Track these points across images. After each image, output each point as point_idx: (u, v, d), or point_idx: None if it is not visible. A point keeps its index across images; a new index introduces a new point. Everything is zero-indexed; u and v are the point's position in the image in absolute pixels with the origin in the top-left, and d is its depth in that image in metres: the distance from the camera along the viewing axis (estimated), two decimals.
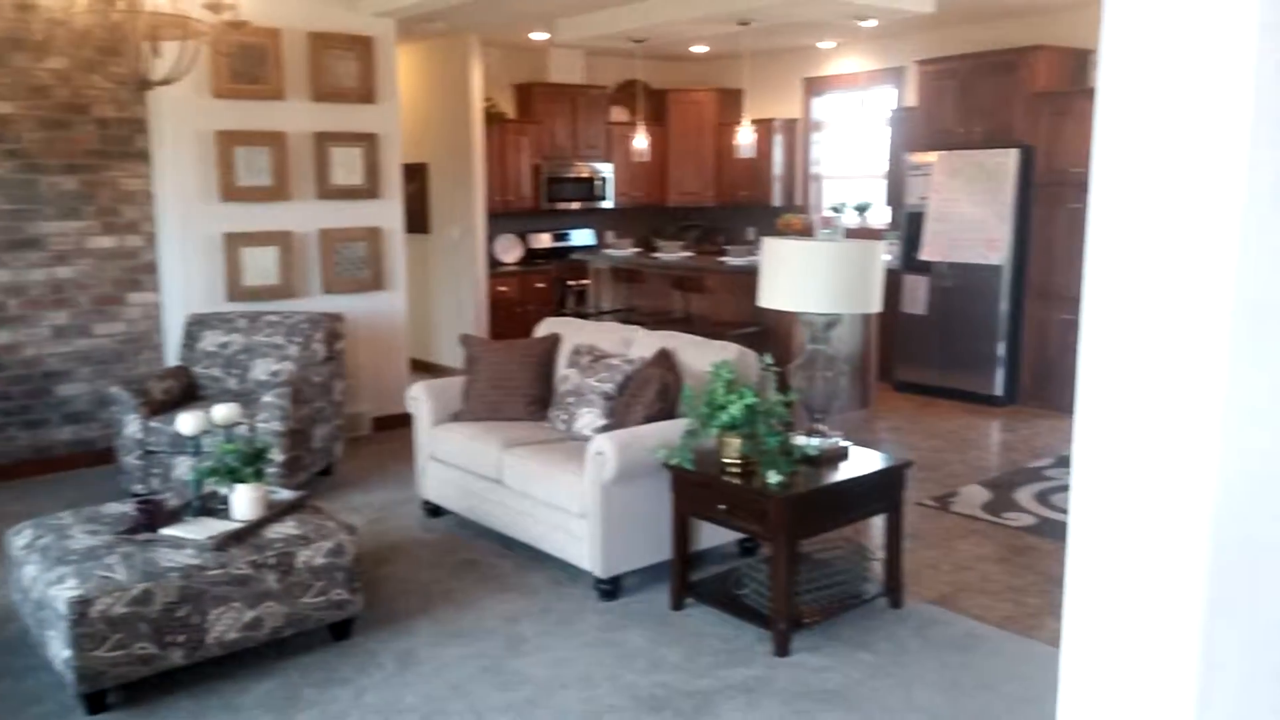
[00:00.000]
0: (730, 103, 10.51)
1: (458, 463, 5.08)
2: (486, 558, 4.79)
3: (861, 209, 9.52)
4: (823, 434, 4.15)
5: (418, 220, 9.28)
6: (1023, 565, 4.61)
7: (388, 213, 7.22)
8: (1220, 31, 1.18)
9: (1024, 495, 5.59)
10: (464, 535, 5.08)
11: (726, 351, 4.60)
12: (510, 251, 10.02)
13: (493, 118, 9.38)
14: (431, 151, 9.32)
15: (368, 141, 7.00)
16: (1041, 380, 7.70)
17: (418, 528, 5.25)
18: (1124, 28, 1.29)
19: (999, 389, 7.88)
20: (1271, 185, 1.22)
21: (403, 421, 6.19)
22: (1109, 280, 1.33)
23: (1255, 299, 1.23)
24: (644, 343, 5.01)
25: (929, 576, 4.49)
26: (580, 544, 4.32)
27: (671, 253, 8.51)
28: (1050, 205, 7.62)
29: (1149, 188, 1.28)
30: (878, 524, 4.79)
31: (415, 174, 9.16)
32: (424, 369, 8.84)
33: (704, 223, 11.10)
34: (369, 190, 7.06)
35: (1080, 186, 7.32)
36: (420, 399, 5.34)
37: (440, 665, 3.75)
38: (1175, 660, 1.28)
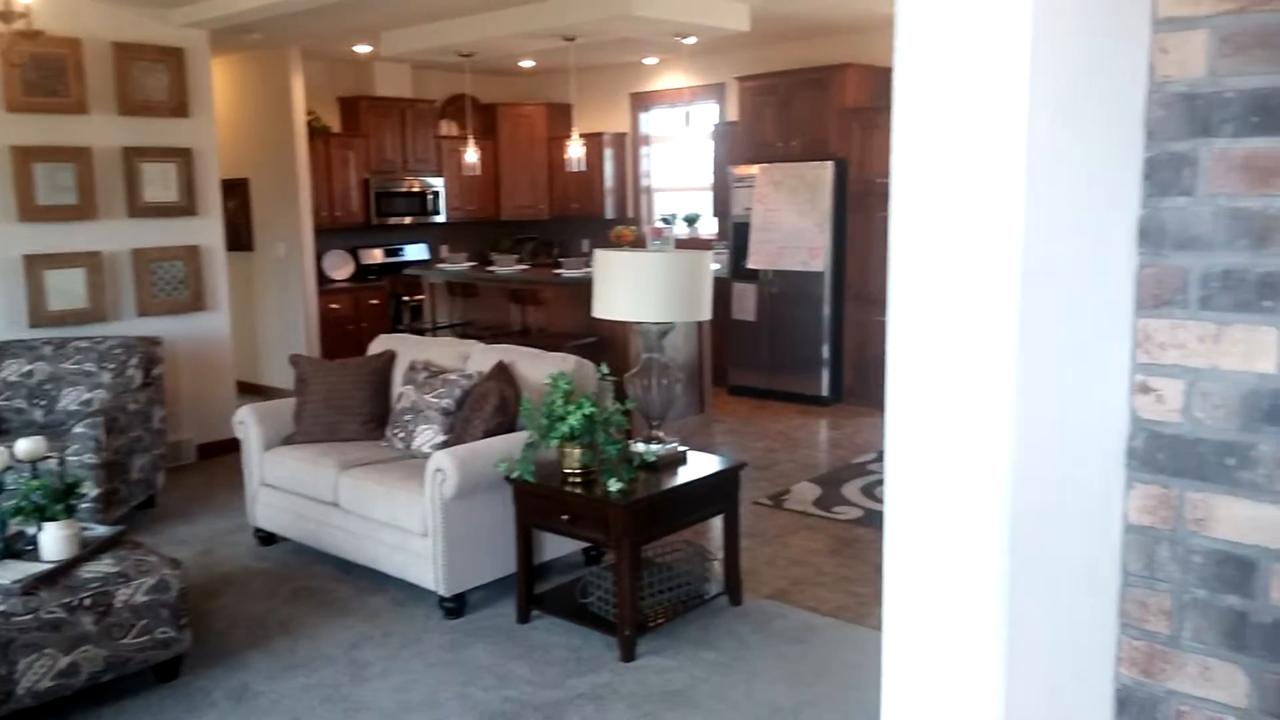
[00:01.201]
0: (560, 117, 10.58)
1: (291, 487, 4.91)
2: (324, 584, 4.65)
3: (691, 220, 9.75)
4: (661, 440, 4.24)
5: (240, 237, 8.92)
6: (852, 556, 4.84)
7: (207, 230, 6.92)
8: (995, 63, 1.30)
9: (851, 490, 5.87)
10: (300, 562, 4.92)
11: (564, 363, 4.63)
12: (340, 268, 9.75)
13: (316, 131, 9.12)
14: (253, 166, 8.98)
15: (182, 157, 6.69)
16: (863, 379, 8.09)
17: (250, 557, 5.05)
18: (913, 56, 1.40)
19: (825, 389, 8.22)
20: (1046, 194, 1.35)
21: (231, 447, 5.93)
22: (910, 284, 1.44)
23: (1036, 298, 1.36)
24: (481, 357, 4.99)
25: (766, 573, 4.65)
26: (423, 563, 4.26)
27: (507, 266, 8.49)
28: (864, 213, 8.03)
29: (940, 201, 1.39)
30: (716, 525, 4.92)
31: (235, 190, 8.80)
32: (253, 391, 8.49)
33: (538, 235, 11.11)
34: (185, 207, 6.74)
35: (887, 196, 7.74)
36: (248, 423, 5.14)
37: (278, 699, 3.62)
38: (982, 624, 1.39)
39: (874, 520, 5.30)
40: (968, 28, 1.30)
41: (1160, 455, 1.53)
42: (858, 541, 5.05)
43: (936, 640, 1.45)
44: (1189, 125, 1.45)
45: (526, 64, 9.84)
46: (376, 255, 10.01)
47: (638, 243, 8.80)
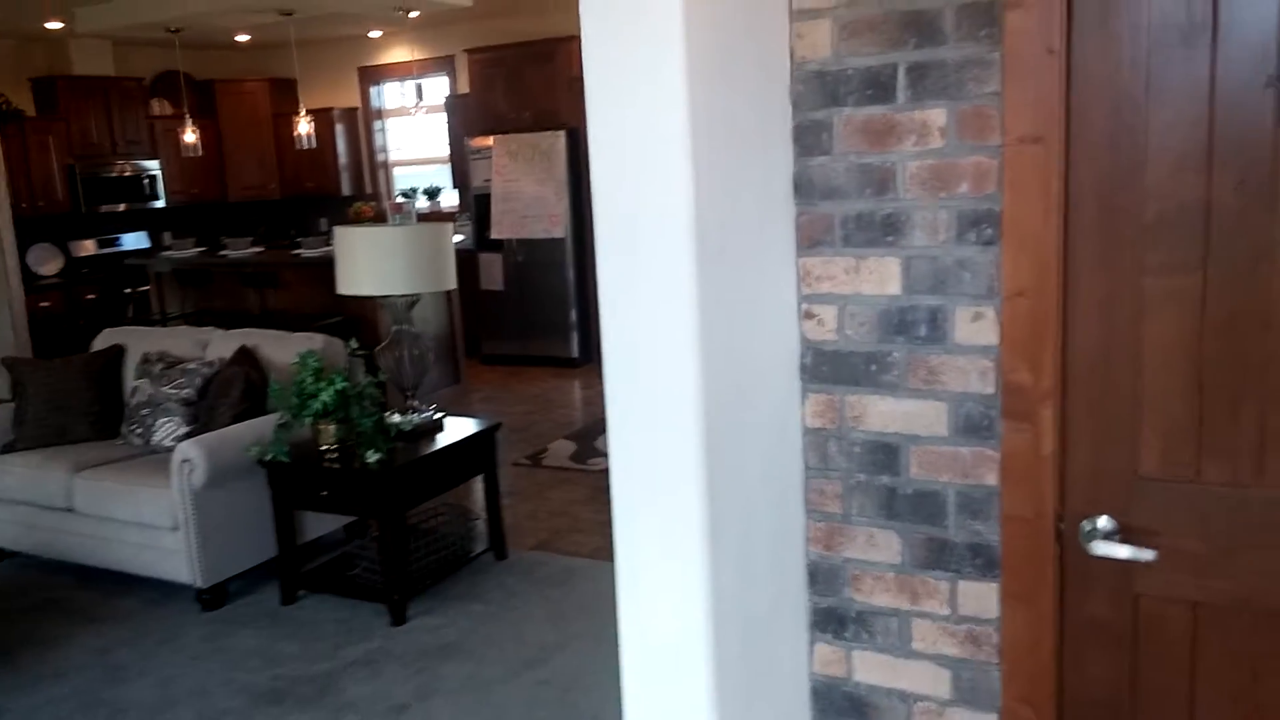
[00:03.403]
0: (285, 93, 10.22)
1: (17, 497, 4.62)
2: (67, 594, 4.45)
3: (432, 194, 9.75)
4: (416, 409, 4.36)
5: None
6: (607, 502, 5.04)
7: None
8: (658, 55, 1.54)
9: (604, 442, 6.17)
10: (36, 575, 4.66)
11: (311, 342, 4.63)
12: (47, 263, 9.02)
13: (7, 116, 8.37)
14: None
15: None
16: None
17: None
18: (597, 53, 1.61)
19: (576, 351, 8.54)
20: (712, 157, 1.62)
21: None
22: (610, 242, 1.66)
23: (714, 247, 1.63)
24: (221, 344, 4.88)
25: (528, 526, 4.89)
26: (175, 558, 4.17)
27: (240, 249, 8.19)
28: None
29: (627, 171, 1.62)
30: (479, 486, 5.08)
31: None
32: None
33: (271, 216, 10.72)
34: None
35: None
36: None
37: (28, 712, 3.48)
38: (690, 520, 1.66)
39: None
40: (634, 28, 1.53)
41: (824, 368, 1.86)
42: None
43: (654, 534, 1.71)
44: (823, 97, 1.77)
45: (243, 38, 9.43)
46: (89, 247, 9.33)
47: (378, 218, 8.73)
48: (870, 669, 1.93)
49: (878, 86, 1.72)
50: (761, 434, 1.82)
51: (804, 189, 1.82)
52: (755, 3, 1.71)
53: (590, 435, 6.37)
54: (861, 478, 1.87)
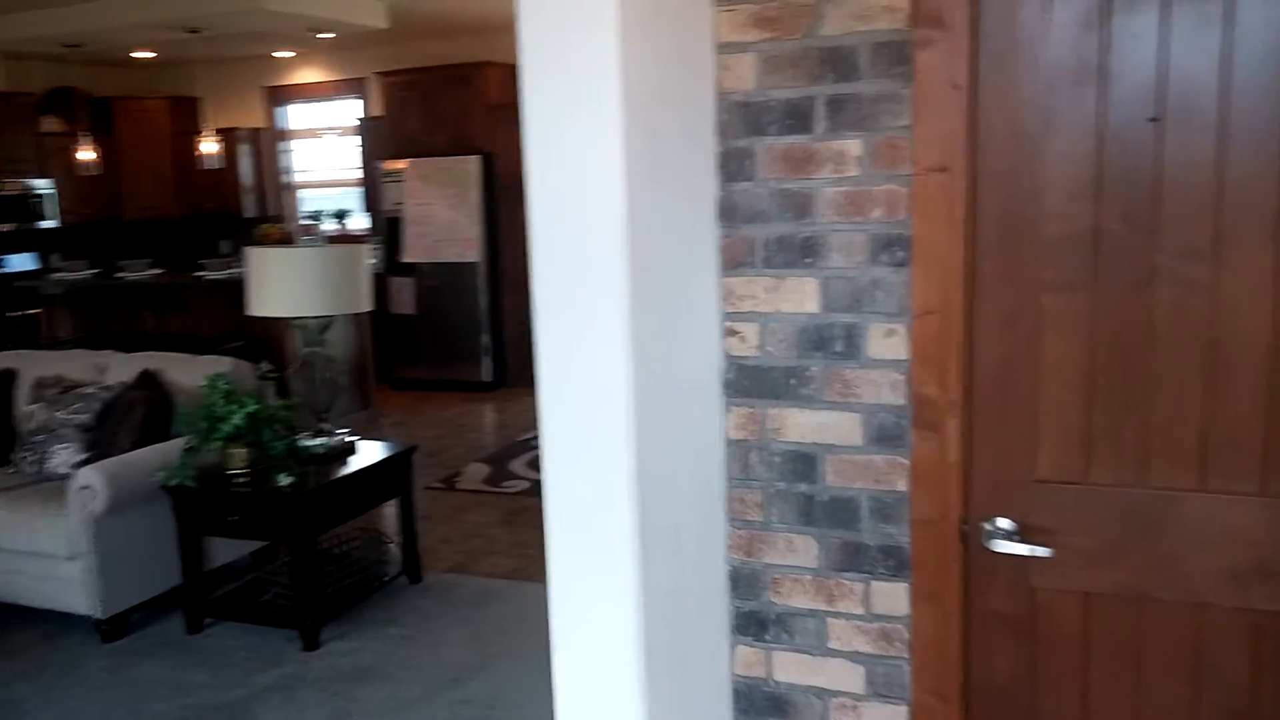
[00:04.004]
0: (186, 111, 10.01)
1: None
2: None
3: (339, 216, 9.63)
4: (329, 433, 4.32)
5: None
6: (523, 524, 5.19)
7: None
8: (594, 88, 1.61)
9: (518, 465, 6.23)
10: None
11: (219, 365, 4.55)
12: None
13: None
14: None
15: None
16: (523, 362, 8.47)
17: None
18: (535, 86, 1.68)
19: (488, 375, 8.53)
20: (643, 184, 1.70)
21: None
22: (546, 266, 1.74)
23: (644, 267, 1.71)
24: (121, 367, 4.75)
25: (443, 549, 4.88)
26: (73, 588, 4.03)
27: (139, 271, 7.97)
28: (513, 205, 8.40)
29: (563, 197, 1.68)
30: (393, 510, 5.05)
31: None
32: None
33: (170, 238, 10.43)
34: None
35: None
36: None
37: None
38: (621, 527, 1.72)
39: (541, 490, 5.68)
40: (573, 59, 1.61)
41: (746, 383, 1.96)
42: (527, 510, 5.40)
43: (588, 542, 1.76)
44: (746, 127, 1.87)
45: (143, 55, 9.22)
46: None
47: (286, 240, 8.58)
48: (789, 668, 2.02)
49: (798, 117, 1.83)
50: (688, 446, 1.91)
51: (728, 213, 1.92)
52: (684, 36, 1.81)
53: (505, 459, 6.38)
54: (781, 486, 1.97)
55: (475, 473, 6.14)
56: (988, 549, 1.84)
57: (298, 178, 10.33)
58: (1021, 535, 1.82)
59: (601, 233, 1.64)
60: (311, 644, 3.90)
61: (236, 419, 3.87)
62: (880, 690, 1.95)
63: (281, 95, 10.10)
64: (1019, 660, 1.89)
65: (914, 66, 1.73)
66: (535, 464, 6.20)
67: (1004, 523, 1.83)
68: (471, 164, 8.31)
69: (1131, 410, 1.74)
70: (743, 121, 1.88)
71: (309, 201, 10.24)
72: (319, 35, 7.98)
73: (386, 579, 4.40)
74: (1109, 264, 1.71)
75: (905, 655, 1.92)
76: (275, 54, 9.58)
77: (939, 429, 1.83)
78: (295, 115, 10.18)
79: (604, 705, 1.79)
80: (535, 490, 5.70)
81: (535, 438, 6.70)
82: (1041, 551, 1.80)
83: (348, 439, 4.40)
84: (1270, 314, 1.64)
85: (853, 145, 1.80)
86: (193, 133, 8.97)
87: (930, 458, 1.84)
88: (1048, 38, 1.69)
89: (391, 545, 4.60)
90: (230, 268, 7.66)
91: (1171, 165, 1.65)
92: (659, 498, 1.77)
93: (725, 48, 1.87)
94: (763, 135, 1.86)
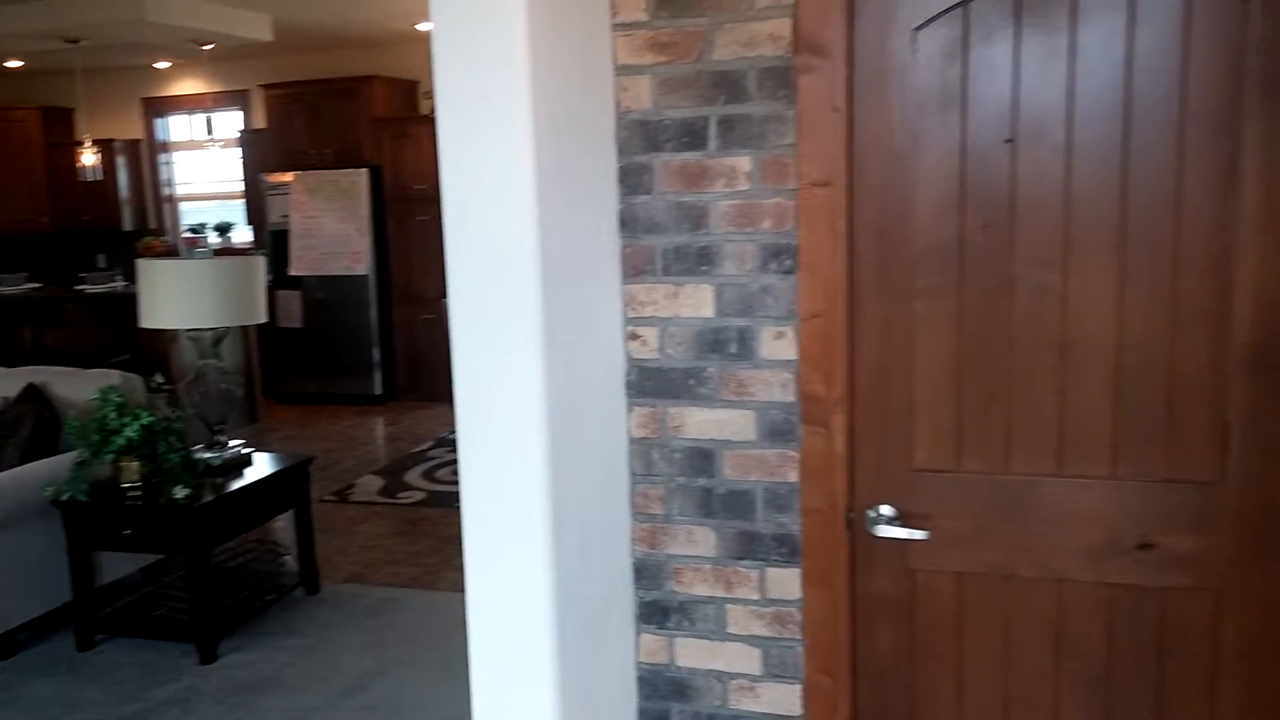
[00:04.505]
0: (60, 122, 9.65)
1: None
2: None
3: (223, 230, 9.41)
4: (224, 445, 4.28)
5: None
6: (420, 534, 5.20)
7: None
8: (505, 111, 1.71)
9: (413, 476, 6.22)
10: None
11: (108, 378, 4.46)
12: None
13: None
14: None
15: None
16: (414, 375, 8.44)
17: None
18: (449, 106, 1.77)
19: (379, 388, 8.47)
20: (552, 197, 1.81)
21: None
22: (461, 278, 1.81)
23: (554, 275, 1.81)
24: (2, 382, 4.60)
25: (340, 561, 4.86)
26: None
27: (14, 285, 7.66)
28: (402, 218, 8.39)
29: (478, 213, 1.78)
30: (287, 523, 5.01)
31: None
32: None
33: (44, 251, 10.02)
34: None
35: (424, 201, 8.20)
36: None
37: None
38: (533, 524, 1.82)
39: (438, 500, 5.70)
40: (486, 78, 1.71)
41: (648, 383, 2.08)
42: (424, 521, 5.42)
43: (502, 536, 1.85)
44: (644, 143, 2.00)
45: (14, 64, 8.87)
46: None
47: (170, 253, 8.36)
48: (690, 654, 2.14)
49: (692, 135, 1.97)
50: (595, 445, 2.01)
51: (629, 224, 2.04)
52: (587, 58, 1.93)
53: (399, 471, 6.36)
54: (681, 481, 2.09)
55: (369, 485, 6.11)
56: (871, 534, 2.00)
57: (179, 190, 10.06)
58: (901, 520, 1.99)
59: (514, 244, 1.74)
60: (209, 657, 3.85)
61: (130, 432, 3.80)
62: (775, 671, 2.09)
63: (161, 106, 9.84)
64: (900, 637, 2.05)
65: (797, 90, 1.89)
66: (431, 475, 6.21)
67: (885, 509, 1.99)
68: (360, 177, 8.26)
69: (996, 404, 1.93)
70: (641, 139, 2.00)
71: (190, 215, 9.98)
72: (202, 46, 7.82)
73: (284, 591, 4.37)
74: (972, 272, 1.89)
75: (798, 637, 2.06)
76: (154, 65, 9.33)
77: (825, 424, 1.98)
78: (175, 127, 9.92)
79: (519, 696, 1.87)
80: (432, 501, 5.72)
81: (432, 449, 6.74)
82: (919, 535, 1.97)
83: (244, 451, 4.35)
84: (1113, 316, 1.84)
85: (743, 162, 1.94)
86: (67, 144, 8.66)
87: (818, 451, 1.99)
88: (916, 66, 1.86)
89: (288, 557, 4.57)
90: (112, 281, 7.43)
91: (1025, 182, 1.84)
92: (569, 494, 1.88)
93: (624, 70, 2.00)
94: (660, 151, 1.99)
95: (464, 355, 1.82)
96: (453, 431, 7.02)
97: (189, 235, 9.56)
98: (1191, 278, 1.79)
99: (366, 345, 8.43)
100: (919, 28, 1.85)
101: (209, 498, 3.93)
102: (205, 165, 9.83)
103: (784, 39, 1.89)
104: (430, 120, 7.91)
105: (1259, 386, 1.78)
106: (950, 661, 2.03)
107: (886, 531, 1.98)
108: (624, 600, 2.15)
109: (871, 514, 2.00)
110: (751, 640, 2.10)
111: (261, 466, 4.34)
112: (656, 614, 2.16)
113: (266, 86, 8.75)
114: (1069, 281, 1.85)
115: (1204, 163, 1.75)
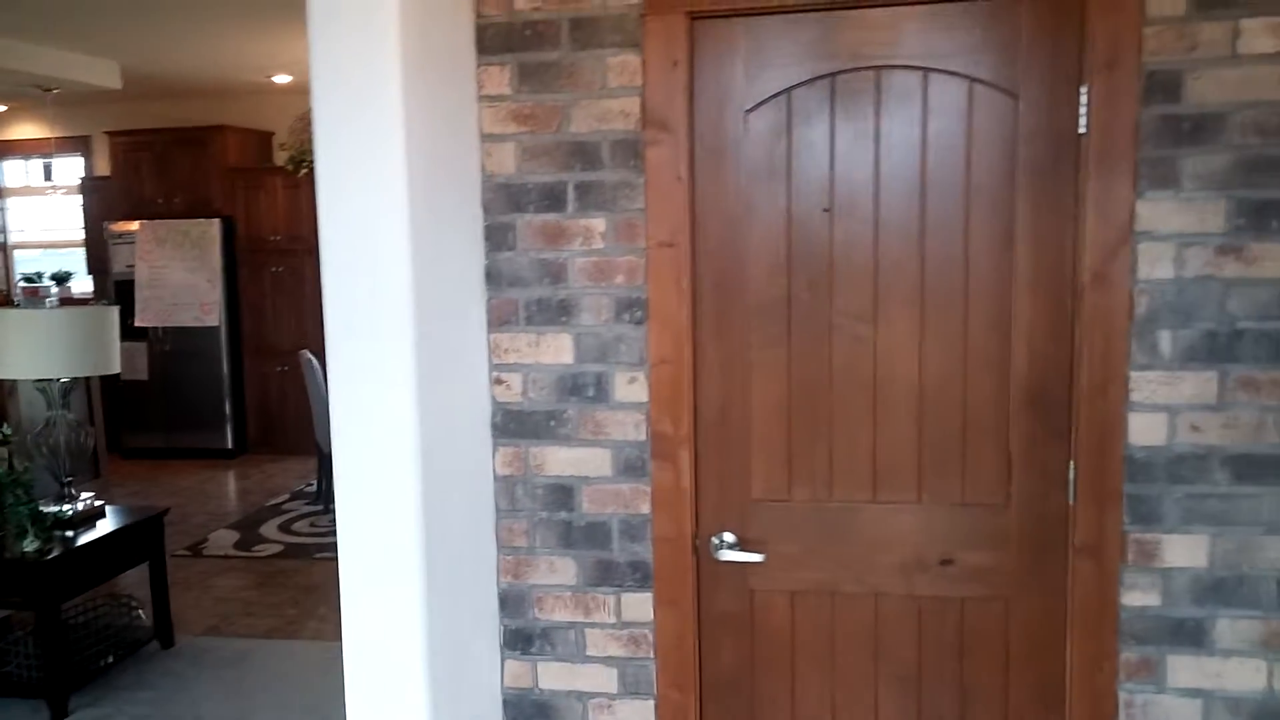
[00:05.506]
0: None
1: None
2: None
3: (60, 279, 9.08)
4: (74, 497, 4.19)
5: None
6: (278, 585, 5.16)
7: None
8: (382, 173, 1.89)
9: (269, 529, 6.14)
10: None
11: None
12: None
13: None
14: None
15: None
16: (267, 428, 8.31)
17: None
18: (329, 170, 1.93)
19: (230, 442, 8.28)
20: (424, 253, 1.98)
21: None
22: (338, 331, 1.96)
23: (425, 325, 1.98)
24: None
25: (194, 614, 4.78)
26: None
27: None
28: (255, 269, 8.30)
29: (355, 269, 1.94)
30: (137, 578, 4.89)
31: None
32: None
33: None
34: None
35: (278, 253, 8.17)
36: None
37: None
38: (406, 556, 1.96)
39: (296, 551, 5.66)
40: (362, 144, 1.88)
41: (512, 425, 2.26)
42: (282, 573, 5.37)
43: (376, 568, 1.98)
44: (508, 204, 2.20)
45: None
46: None
47: (6, 303, 8.01)
48: (553, 676, 2.31)
49: (552, 198, 2.18)
50: (463, 482, 2.18)
51: (494, 278, 2.24)
52: (456, 124, 2.12)
53: (254, 524, 6.27)
54: (544, 515, 2.27)
55: (223, 539, 6.00)
56: (715, 559, 2.23)
57: (13, 238, 9.65)
58: (741, 546, 2.22)
59: (389, 296, 1.90)
60: (60, 713, 3.75)
61: None
62: (631, 689, 2.28)
63: None
64: (741, 652, 2.28)
65: (645, 161, 2.13)
66: (287, 528, 6.15)
67: (728, 536, 2.22)
68: (211, 227, 8.15)
69: (820, 440, 2.19)
70: (505, 200, 2.20)
71: (26, 263, 9.58)
72: (48, 91, 7.62)
73: (138, 644, 4.27)
74: (798, 323, 2.16)
75: (651, 656, 2.26)
76: None
77: (674, 460, 2.20)
78: (10, 172, 9.54)
79: (394, 715, 2.00)
80: (290, 553, 5.67)
81: (287, 502, 6.66)
82: (756, 558, 2.20)
83: (95, 503, 4.27)
84: (915, 362, 2.14)
85: (598, 223, 2.17)
86: None
87: (667, 484, 2.21)
88: (748, 143, 2.14)
89: (140, 611, 4.47)
90: None
91: (840, 246, 2.13)
92: (439, 529, 2.03)
93: (489, 138, 2.20)
94: (522, 212, 2.20)
95: (341, 399, 1.96)
96: (309, 484, 6.96)
97: (25, 285, 9.19)
98: (978, 329, 2.10)
99: (217, 398, 8.26)
100: (750, 110, 2.13)
101: (58, 551, 3.85)
102: (42, 212, 9.47)
103: (634, 115, 2.13)
104: (284, 171, 7.93)
105: (1034, 421, 2.11)
106: (785, 670, 2.26)
107: (728, 556, 2.21)
108: (490, 628, 2.30)
109: (715, 540, 2.22)
110: (609, 661, 2.28)
111: (115, 519, 4.27)
112: (521, 640, 2.31)
113: (112, 134, 8.55)
114: (879, 332, 2.14)
115: (985, 232, 2.08)
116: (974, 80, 2.04)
